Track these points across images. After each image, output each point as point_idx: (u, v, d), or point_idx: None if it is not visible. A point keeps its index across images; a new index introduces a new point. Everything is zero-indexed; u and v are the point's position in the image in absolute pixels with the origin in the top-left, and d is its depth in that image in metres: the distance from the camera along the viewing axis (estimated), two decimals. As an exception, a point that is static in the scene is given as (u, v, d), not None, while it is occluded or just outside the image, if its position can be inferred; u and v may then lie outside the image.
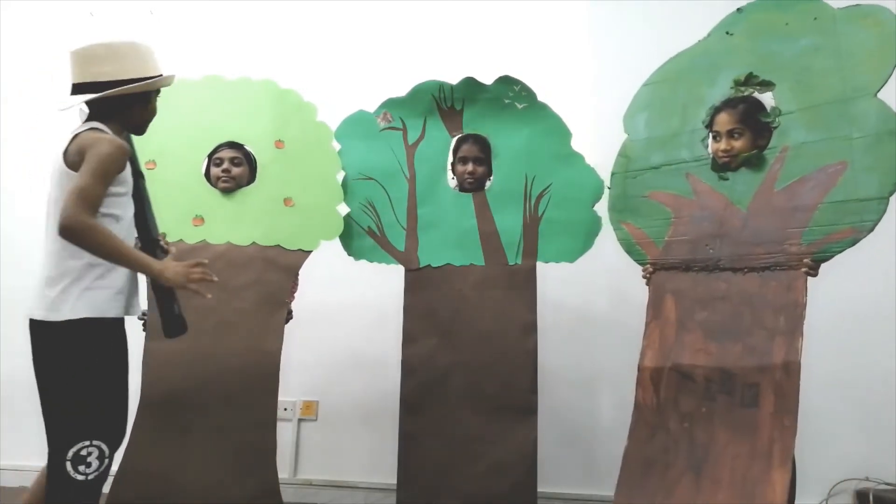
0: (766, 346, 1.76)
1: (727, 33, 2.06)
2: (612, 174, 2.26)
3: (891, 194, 1.62)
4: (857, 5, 1.78)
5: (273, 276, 2.28)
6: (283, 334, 2.25)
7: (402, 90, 2.45)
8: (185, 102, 2.32)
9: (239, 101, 2.39)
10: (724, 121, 1.94)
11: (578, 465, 2.78)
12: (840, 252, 1.69)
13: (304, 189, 2.36)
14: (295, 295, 2.36)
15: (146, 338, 2.17)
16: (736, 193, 1.92)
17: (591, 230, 2.30)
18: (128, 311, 1.67)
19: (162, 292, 1.70)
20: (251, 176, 2.35)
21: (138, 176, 1.75)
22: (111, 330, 1.63)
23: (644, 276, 2.12)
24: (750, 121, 1.91)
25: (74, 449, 1.51)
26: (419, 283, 2.36)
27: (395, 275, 2.41)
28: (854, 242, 1.67)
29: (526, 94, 2.37)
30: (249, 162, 2.35)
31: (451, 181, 2.43)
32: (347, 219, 2.38)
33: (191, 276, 1.62)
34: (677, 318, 1.99)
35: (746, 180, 1.91)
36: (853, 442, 2.48)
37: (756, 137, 1.90)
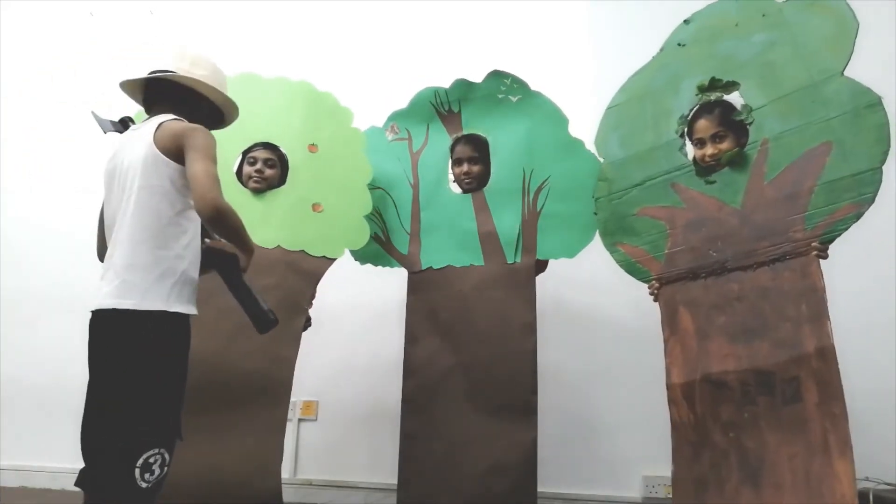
0: (796, 337, 1.72)
1: (679, 45, 2.12)
2: (596, 200, 2.25)
3: (882, 163, 1.64)
4: (801, -6, 1.85)
5: (294, 282, 2.23)
6: (299, 341, 2.20)
7: (405, 92, 2.51)
8: None
9: (275, 101, 2.37)
10: (705, 127, 1.97)
11: (578, 465, 2.77)
12: (846, 229, 1.68)
13: (334, 195, 2.33)
14: (313, 303, 2.31)
15: None
16: (726, 194, 1.93)
17: (591, 221, 2.27)
18: (195, 309, 1.60)
19: (245, 290, 1.62)
20: (282, 178, 2.32)
21: None
22: (189, 330, 1.56)
23: (651, 293, 2.08)
24: (729, 122, 1.93)
25: (145, 456, 1.43)
26: (421, 284, 2.36)
27: (394, 277, 2.44)
28: (858, 217, 1.67)
29: (518, 85, 2.40)
30: (282, 164, 2.33)
31: (454, 183, 2.45)
32: (368, 225, 2.37)
33: None
34: (696, 328, 1.95)
35: (734, 179, 1.92)
36: (853, 442, 2.44)
37: (738, 137, 1.93)
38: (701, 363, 1.92)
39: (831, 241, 1.72)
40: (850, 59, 1.72)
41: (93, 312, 1.52)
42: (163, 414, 1.49)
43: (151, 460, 1.44)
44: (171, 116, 1.60)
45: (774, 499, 1.69)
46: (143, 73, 1.65)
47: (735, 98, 1.96)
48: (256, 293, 1.62)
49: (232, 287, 1.62)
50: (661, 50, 2.16)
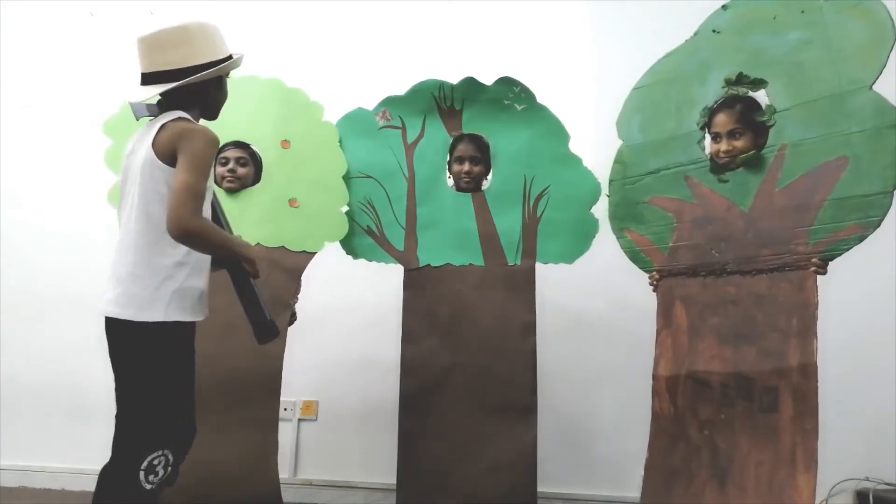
0: (782, 349, 1.73)
1: (714, 31, 2.03)
2: (610, 181, 2.23)
3: (895, 188, 1.60)
4: (844, -5, 1.75)
5: (277, 278, 2.25)
6: (286, 336, 2.24)
7: (403, 89, 2.43)
8: None
9: (245, 100, 2.34)
10: (723, 122, 1.92)
11: (578, 465, 2.79)
12: (848, 249, 1.66)
13: (310, 190, 2.33)
14: (298, 297, 2.35)
15: None
16: (737, 195, 1.90)
17: (589, 231, 2.28)
18: (204, 314, 1.62)
19: (250, 296, 1.62)
20: (256, 176, 2.34)
21: None
22: (191, 334, 1.60)
23: (651, 284, 2.09)
24: (749, 120, 1.88)
25: (150, 458, 1.48)
26: (419, 282, 2.36)
27: (393, 275, 2.41)
28: (861, 239, 1.64)
29: (525, 95, 2.35)
30: (255, 162, 2.35)
31: (449, 180, 2.42)
32: (347, 217, 2.37)
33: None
34: (689, 325, 1.97)
35: (746, 181, 1.88)
36: (853, 442, 2.46)
37: (756, 136, 1.88)
38: (688, 359, 1.95)
39: (832, 258, 1.70)
40: (881, 73, 1.64)
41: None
42: (167, 417, 1.52)
43: (155, 462, 1.48)
44: (177, 114, 1.56)
45: (736, 500, 1.75)
46: (149, 91, 1.59)
47: (760, 96, 1.90)
48: (262, 300, 1.61)
49: (237, 289, 1.61)
50: (695, 34, 2.07)
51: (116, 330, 1.52)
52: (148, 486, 1.47)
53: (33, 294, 3.09)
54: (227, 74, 1.73)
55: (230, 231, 1.75)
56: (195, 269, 1.56)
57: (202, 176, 1.47)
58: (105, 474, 1.52)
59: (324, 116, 2.40)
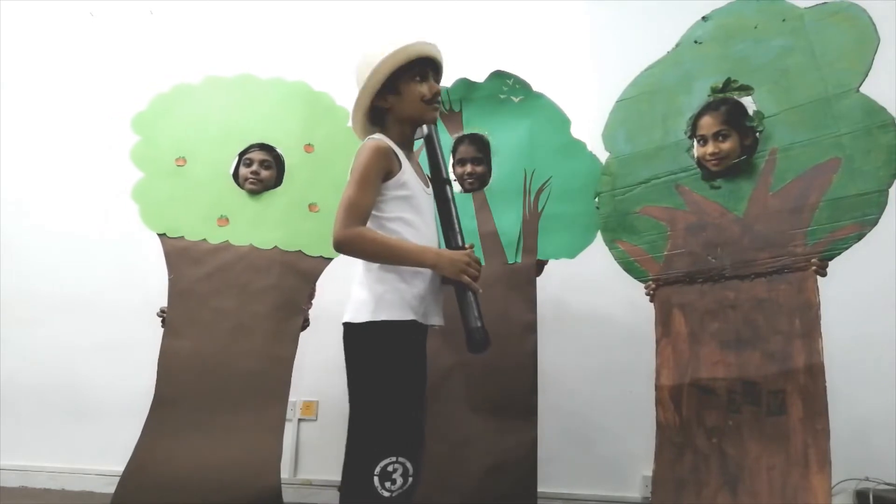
0: (786, 351, 1.73)
1: (696, 42, 2.07)
2: (599, 194, 2.23)
3: (889, 185, 1.63)
4: (823, 3, 1.81)
5: (292, 282, 2.26)
6: (297, 340, 2.23)
7: None
8: (217, 100, 2.35)
9: (271, 102, 2.38)
10: (708, 124, 1.94)
11: (578, 465, 2.79)
12: (847, 248, 1.68)
13: (330, 195, 2.30)
14: (312, 302, 2.32)
15: (163, 336, 2.17)
16: (730, 201, 1.91)
17: (592, 223, 2.25)
18: (427, 319, 1.62)
19: (462, 301, 1.61)
20: (279, 179, 2.34)
21: (441, 182, 1.76)
22: (413, 337, 1.60)
23: (647, 294, 2.08)
24: (734, 121, 1.90)
25: (382, 464, 1.48)
26: None
27: None
28: (860, 238, 1.67)
29: (520, 86, 2.37)
30: (279, 164, 2.35)
31: (455, 183, 2.39)
32: None
33: (464, 268, 1.58)
34: (689, 332, 1.96)
35: (739, 187, 1.90)
36: (853, 442, 2.45)
37: (742, 138, 1.90)
38: (691, 367, 1.94)
39: (831, 258, 1.72)
40: (866, 76, 1.69)
41: None
42: (394, 422, 1.53)
43: (390, 469, 1.48)
44: (370, 137, 1.61)
45: (750, 506, 1.73)
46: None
47: (748, 102, 1.93)
48: (475, 309, 1.59)
49: (456, 295, 1.62)
50: (677, 46, 2.11)
51: (345, 334, 1.63)
52: (386, 494, 1.47)
53: (33, 294, 3.10)
54: (430, 70, 1.63)
55: (457, 230, 1.69)
56: (408, 273, 1.58)
57: (359, 188, 1.53)
58: (342, 480, 1.57)
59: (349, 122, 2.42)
